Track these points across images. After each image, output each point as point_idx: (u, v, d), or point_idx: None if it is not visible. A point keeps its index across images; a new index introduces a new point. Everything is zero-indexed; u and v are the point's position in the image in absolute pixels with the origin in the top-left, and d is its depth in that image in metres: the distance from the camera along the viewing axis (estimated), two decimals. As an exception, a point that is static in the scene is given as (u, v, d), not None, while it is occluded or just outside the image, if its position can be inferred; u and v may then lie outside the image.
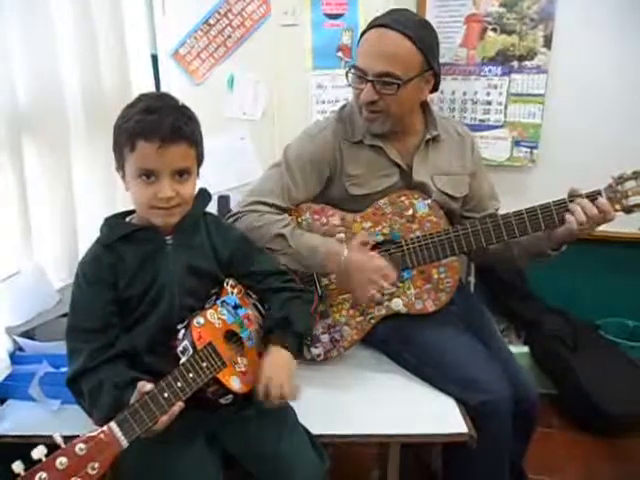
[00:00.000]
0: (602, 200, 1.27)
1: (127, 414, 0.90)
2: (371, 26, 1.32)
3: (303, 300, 1.23)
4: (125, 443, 0.88)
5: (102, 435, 0.87)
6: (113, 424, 0.88)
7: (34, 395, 1.26)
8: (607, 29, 1.99)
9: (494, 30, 2.06)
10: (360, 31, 1.38)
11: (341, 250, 1.32)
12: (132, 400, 0.95)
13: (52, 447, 0.85)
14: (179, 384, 0.97)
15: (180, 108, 1.07)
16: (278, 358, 1.12)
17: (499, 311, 2.24)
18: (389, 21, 1.29)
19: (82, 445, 0.84)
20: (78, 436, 1.14)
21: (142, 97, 1.07)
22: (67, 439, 1.15)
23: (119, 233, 1.09)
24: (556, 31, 2.00)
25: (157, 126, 1.00)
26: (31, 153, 1.37)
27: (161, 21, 1.96)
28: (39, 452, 0.81)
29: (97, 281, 1.07)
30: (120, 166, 1.07)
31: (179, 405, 0.95)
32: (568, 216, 1.27)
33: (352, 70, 1.35)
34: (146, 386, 0.94)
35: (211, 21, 1.98)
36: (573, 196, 1.29)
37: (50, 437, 1.17)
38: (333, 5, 1.99)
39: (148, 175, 1.03)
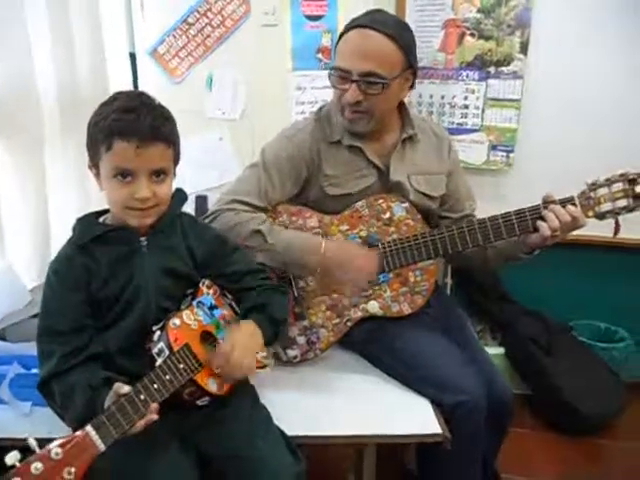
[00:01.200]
0: (572, 207, 1.29)
1: (104, 417, 0.88)
2: (351, 26, 1.32)
3: (278, 292, 1.23)
4: (102, 447, 0.86)
5: (78, 439, 0.84)
6: (89, 427, 0.86)
7: (4, 397, 1.24)
8: (582, 36, 2.02)
9: (472, 35, 2.09)
10: (339, 32, 1.39)
11: (319, 244, 1.33)
12: (107, 401, 0.94)
13: (25, 450, 0.83)
14: (155, 386, 0.95)
15: (158, 107, 1.05)
16: (247, 331, 1.12)
17: (475, 313, 2.27)
18: (369, 21, 1.30)
19: (58, 449, 0.82)
20: (52, 439, 1.13)
21: (118, 95, 1.06)
22: (40, 442, 1.14)
23: (93, 233, 1.08)
24: (532, 37, 2.04)
25: (135, 126, 0.99)
26: (4, 151, 1.35)
27: (139, 19, 1.94)
28: (12, 457, 0.79)
29: (69, 282, 1.05)
30: (94, 164, 1.06)
31: (155, 410, 0.94)
32: (540, 223, 1.29)
33: (334, 71, 1.34)
34: (123, 388, 0.93)
35: (190, 20, 1.96)
36: (547, 202, 1.31)
37: (22, 440, 1.16)
38: (313, 6, 2.00)
39: (124, 175, 1.01)
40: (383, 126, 1.42)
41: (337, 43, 1.36)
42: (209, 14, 1.97)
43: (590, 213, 1.32)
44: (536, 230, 1.30)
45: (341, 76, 1.33)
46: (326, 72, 1.40)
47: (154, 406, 0.94)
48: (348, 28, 1.33)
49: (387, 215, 1.41)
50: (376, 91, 1.30)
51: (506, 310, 2.26)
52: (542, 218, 1.30)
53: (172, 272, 1.12)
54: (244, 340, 1.09)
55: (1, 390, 1.24)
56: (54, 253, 1.12)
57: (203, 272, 1.17)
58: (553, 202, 1.31)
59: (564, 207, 1.29)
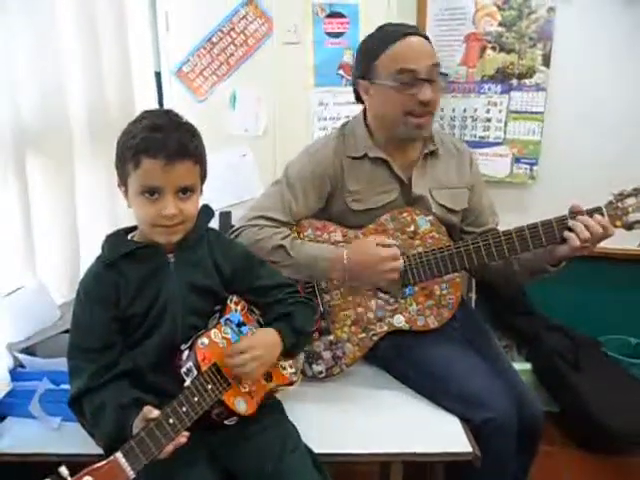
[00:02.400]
0: (600, 217, 1.27)
1: (133, 443, 0.88)
2: (401, 35, 1.32)
3: (308, 305, 1.22)
4: (132, 474, 0.86)
5: (108, 466, 0.85)
6: (119, 454, 0.86)
7: (34, 413, 1.25)
8: (605, 48, 2.02)
9: (493, 49, 2.09)
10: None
11: (341, 254, 1.33)
12: (136, 423, 0.94)
13: (53, 466, 0.84)
14: (184, 409, 0.96)
15: (185, 125, 1.06)
16: (268, 339, 1.11)
17: (500, 327, 2.24)
18: (412, 28, 1.36)
19: (89, 478, 0.83)
20: (80, 455, 1.14)
21: (146, 114, 1.07)
22: (68, 457, 1.16)
23: (121, 251, 1.08)
24: (554, 50, 2.03)
25: (163, 143, 1.00)
26: (35, 169, 1.38)
27: (165, 39, 1.99)
28: None
29: (98, 299, 1.06)
30: (123, 182, 1.07)
31: (185, 435, 0.94)
32: (568, 233, 1.27)
33: (400, 76, 1.31)
34: (152, 412, 0.93)
35: (214, 39, 2.00)
36: (574, 213, 1.30)
37: (50, 455, 1.18)
38: (334, 24, 2.02)
39: (152, 192, 1.02)
40: (400, 141, 1.42)
41: (379, 54, 1.33)
42: (232, 33, 2.00)
43: (618, 223, 1.29)
44: (563, 241, 1.28)
45: (405, 82, 1.31)
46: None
47: (184, 434, 0.94)
48: (394, 39, 1.32)
49: (412, 228, 1.40)
50: (443, 83, 1.35)
51: (532, 324, 2.22)
52: (569, 229, 1.28)
53: (199, 288, 1.12)
54: (261, 346, 1.08)
55: (32, 405, 1.25)
56: (83, 270, 1.14)
57: (230, 288, 1.17)
58: (580, 212, 1.29)
59: (592, 217, 1.27)
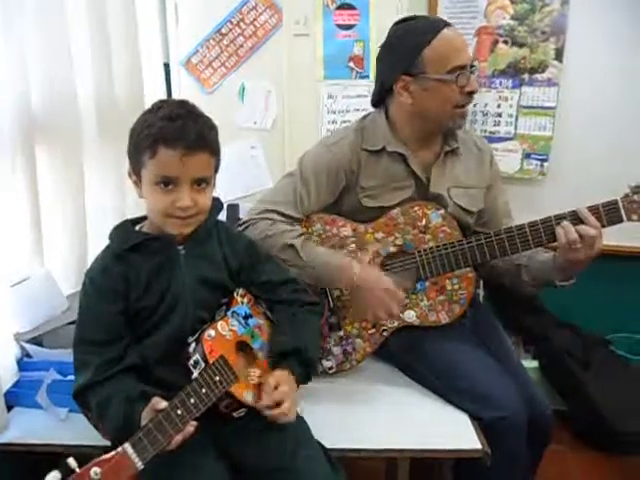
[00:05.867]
0: (584, 227, 1.25)
1: (141, 434, 0.87)
2: (439, 28, 1.31)
3: (313, 315, 1.20)
4: (140, 465, 0.86)
5: (117, 458, 0.84)
6: (127, 445, 0.86)
7: (41, 403, 1.25)
8: (620, 42, 1.98)
9: (505, 42, 2.06)
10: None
11: (352, 267, 1.29)
12: (144, 415, 0.93)
13: (59, 456, 0.83)
14: (192, 400, 0.95)
15: (202, 116, 1.05)
16: (286, 382, 1.08)
17: (507, 324, 2.19)
18: (442, 21, 1.36)
19: (97, 469, 0.82)
20: (87, 447, 1.14)
21: (162, 103, 1.05)
22: (74, 448, 1.15)
23: (131, 242, 1.07)
24: (568, 44, 2.00)
25: (181, 134, 0.98)
26: (43, 160, 1.36)
27: (174, 30, 1.97)
28: (53, 478, 0.80)
29: (107, 291, 1.05)
30: (135, 172, 1.05)
31: (192, 424, 0.93)
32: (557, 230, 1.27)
33: (456, 71, 1.31)
34: (160, 403, 0.92)
35: (223, 30, 1.99)
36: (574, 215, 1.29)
37: (57, 446, 1.18)
38: (345, 15, 2.00)
39: (167, 183, 1.00)
40: (431, 135, 1.41)
41: (422, 48, 1.31)
42: (242, 24, 1.99)
43: (635, 217, 1.28)
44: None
45: (460, 75, 1.31)
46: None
47: (192, 424, 0.93)
48: (436, 30, 1.31)
49: (423, 222, 1.38)
50: (476, 72, 1.36)
51: (539, 322, 2.20)
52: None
53: (209, 281, 1.11)
54: (286, 388, 1.06)
55: (39, 396, 1.25)
56: (91, 260, 1.13)
57: (237, 281, 1.16)
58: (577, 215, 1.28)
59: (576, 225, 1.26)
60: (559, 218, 1.29)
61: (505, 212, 1.52)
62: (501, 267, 1.45)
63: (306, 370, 1.13)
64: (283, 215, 1.38)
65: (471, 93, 1.35)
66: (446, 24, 1.34)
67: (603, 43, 2.00)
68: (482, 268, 1.45)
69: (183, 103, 1.06)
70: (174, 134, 0.98)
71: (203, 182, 1.04)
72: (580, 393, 2.01)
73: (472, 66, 1.34)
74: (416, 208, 1.39)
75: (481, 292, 2.17)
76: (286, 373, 1.09)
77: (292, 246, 1.33)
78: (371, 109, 1.49)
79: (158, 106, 1.04)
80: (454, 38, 1.33)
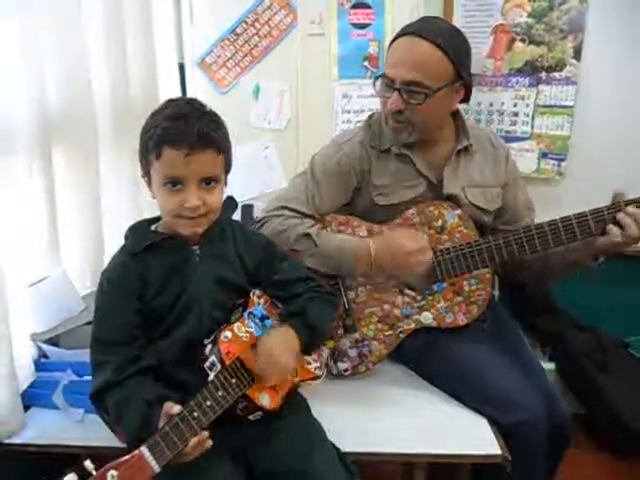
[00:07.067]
0: None
1: (157, 437, 0.87)
2: (402, 34, 1.30)
3: (326, 300, 1.19)
4: (157, 468, 0.86)
5: (133, 460, 0.84)
6: (144, 448, 0.85)
7: (58, 403, 1.25)
8: (638, 39, 1.95)
9: (522, 41, 2.04)
10: (386, 41, 1.37)
11: (368, 245, 1.29)
12: (161, 419, 0.92)
13: (75, 457, 0.83)
14: (208, 403, 0.94)
15: (208, 114, 1.04)
16: (282, 331, 1.08)
17: (522, 326, 2.18)
18: (419, 29, 1.27)
19: (114, 472, 0.82)
20: (103, 448, 1.14)
21: (169, 103, 1.05)
22: (90, 449, 1.15)
23: (146, 242, 1.07)
24: (586, 42, 1.97)
25: (184, 133, 0.97)
26: (60, 160, 1.37)
27: (189, 30, 1.97)
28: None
29: (123, 291, 1.05)
30: (146, 173, 1.05)
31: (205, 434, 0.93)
32: (611, 227, 1.22)
33: (380, 79, 1.33)
34: (174, 408, 0.92)
35: (238, 30, 1.98)
36: (618, 202, 1.23)
37: (72, 447, 1.18)
38: (360, 15, 1.98)
39: (174, 183, 1.00)
40: (434, 137, 1.38)
41: (388, 49, 1.34)
42: (256, 24, 1.98)
43: None
44: (602, 234, 1.24)
45: (386, 84, 1.31)
46: (372, 80, 1.38)
47: (204, 433, 0.92)
48: (398, 35, 1.31)
49: (439, 223, 1.37)
50: (418, 101, 1.27)
51: (556, 323, 2.17)
52: (615, 222, 1.22)
53: (225, 281, 1.10)
54: (280, 339, 1.06)
55: (55, 396, 1.25)
56: (107, 260, 1.13)
57: (253, 280, 1.16)
58: (628, 201, 1.22)
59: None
60: (579, 217, 1.26)
61: (526, 206, 1.48)
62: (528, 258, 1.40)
63: (308, 331, 1.10)
64: (295, 211, 1.38)
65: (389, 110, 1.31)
66: (412, 33, 1.27)
67: (622, 41, 1.97)
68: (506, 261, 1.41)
69: (189, 101, 1.06)
70: (177, 134, 0.97)
71: (211, 181, 1.03)
72: (598, 396, 1.98)
73: (400, 87, 1.27)
74: (432, 208, 1.37)
75: (496, 293, 2.15)
76: (285, 327, 1.08)
77: (308, 235, 1.32)
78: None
79: (164, 106, 1.04)
80: (398, 49, 1.29)
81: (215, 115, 1.06)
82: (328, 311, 1.20)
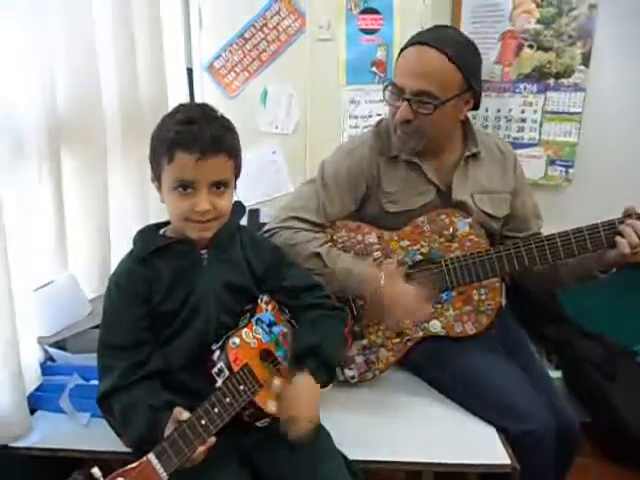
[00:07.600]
0: None
1: (165, 444, 0.87)
2: (411, 43, 1.30)
3: (336, 320, 1.18)
4: (164, 475, 0.85)
5: (141, 467, 0.84)
6: (152, 455, 0.85)
7: (64, 407, 1.25)
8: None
9: (530, 47, 2.03)
10: (395, 47, 1.36)
11: (377, 277, 1.27)
12: (168, 426, 0.92)
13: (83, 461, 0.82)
14: (216, 410, 0.94)
15: (220, 118, 1.05)
16: (305, 389, 1.06)
17: (529, 333, 2.17)
18: (429, 39, 1.27)
19: (121, 479, 0.82)
20: (109, 452, 1.14)
21: (180, 107, 1.06)
22: (97, 454, 1.15)
23: (154, 246, 1.07)
24: (595, 49, 1.97)
25: (197, 137, 0.98)
26: (68, 164, 1.37)
27: (197, 34, 1.97)
28: None
29: (131, 295, 1.05)
30: (156, 177, 1.06)
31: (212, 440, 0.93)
32: (619, 238, 1.22)
33: (389, 87, 1.32)
34: (183, 414, 0.91)
35: (246, 35, 1.99)
36: (626, 216, 1.24)
37: (78, 452, 1.17)
38: (368, 20, 1.98)
39: (185, 187, 1.00)
40: (442, 145, 1.38)
41: (397, 57, 1.34)
42: (265, 29, 1.98)
43: None
44: (612, 247, 1.23)
45: (394, 92, 1.30)
46: (381, 86, 1.37)
47: (212, 439, 0.92)
48: (409, 44, 1.30)
49: (450, 231, 1.36)
50: (427, 111, 1.26)
51: (562, 331, 2.16)
52: (619, 233, 1.22)
53: (232, 286, 1.10)
54: (304, 407, 1.05)
55: (61, 400, 1.25)
56: (114, 264, 1.13)
57: (261, 286, 1.15)
58: (629, 216, 1.23)
59: None
60: (591, 228, 1.26)
61: (535, 214, 1.48)
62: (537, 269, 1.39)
63: (327, 371, 1.10)
64: (306, 221, 1.37)
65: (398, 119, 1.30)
66: (422, 42, 1.26)
67: (631, 48, 1.97)
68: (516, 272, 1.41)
69: (201, 106, 1.07)
70: (189, 138, 0.98)
71: (222, 185, 1.03)
72: (605, 404, 1.96)
73: (409, 97, 1.26)
74: (443, 216, 1.37)
75: (503, 301, 2.13)
76: (306, 376, 1.07)
77: (318, 254, 1.31)
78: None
79: (176, 110, 1.04)
80: (407, 58, 1.28)
81: (227, 120, 1.06)
82: (341, 334, 1.19)
